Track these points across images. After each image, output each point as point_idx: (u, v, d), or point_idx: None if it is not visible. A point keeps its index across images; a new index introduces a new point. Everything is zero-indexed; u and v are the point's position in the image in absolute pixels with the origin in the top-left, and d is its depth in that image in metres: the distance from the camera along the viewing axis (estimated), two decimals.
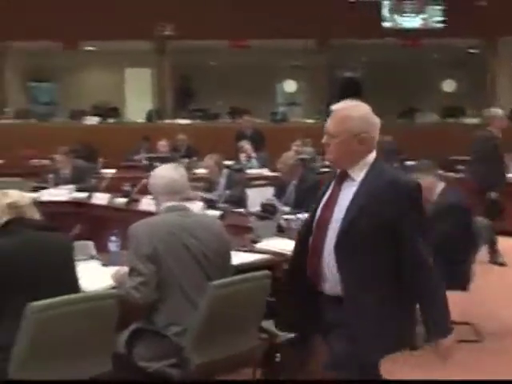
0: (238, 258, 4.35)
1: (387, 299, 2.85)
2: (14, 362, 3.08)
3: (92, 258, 4.41)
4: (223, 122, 15.31)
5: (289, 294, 3.14)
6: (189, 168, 10.35)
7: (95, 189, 8.28)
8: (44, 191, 8.01)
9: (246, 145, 11.09)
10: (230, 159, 10.22)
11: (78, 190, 8.21)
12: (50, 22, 15.01)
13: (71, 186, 8.30)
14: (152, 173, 3.83)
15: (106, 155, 11.40)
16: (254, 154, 10.94)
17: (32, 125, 14.78)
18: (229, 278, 3.56)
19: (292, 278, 3.12)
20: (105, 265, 4.27)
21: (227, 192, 7.28)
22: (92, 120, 14.87)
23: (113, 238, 4.34)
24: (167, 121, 15.34)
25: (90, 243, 4.52)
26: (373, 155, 2.93)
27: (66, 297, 3.18)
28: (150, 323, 3.55)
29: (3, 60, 16.76)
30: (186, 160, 11.08)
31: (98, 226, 6.54)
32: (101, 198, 7.65)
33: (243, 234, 5.29)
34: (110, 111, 15.55)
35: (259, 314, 3.72)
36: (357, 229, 2.81)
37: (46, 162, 10.71)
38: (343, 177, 2.96)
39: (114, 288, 3.58)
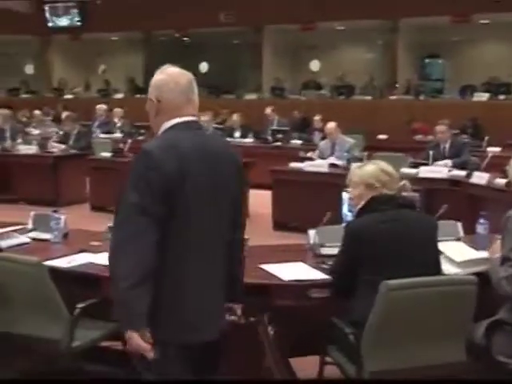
0: None
1: None
2: (365, 338, 3.08)
3: (459, 239, 4.23)
4: None
5: None
6: None
7: (476, 167, 7.99)
8: (423, 168, 7.96)
9: None
10: None
11: (454, 166, 8.03)
12: None
13: (447, 161, 8.15)
14: None
15: (493, 133, 10.96)
16: None
17: (420, 101, 14.86)
18: None
19: None
20: (473, 247, 4.05)
21: None
22: (481, 96, 14.41)
23: (481, 221, 4.12)
24: None
25: (458, 224, 4.34)
26: (168, 124, 2.62)
27: (422, 278, 3.09)
28: None
29: (395, 37, 17.07)
30: None
31: (472, 207, 6.29)
32: (480, 177, 7.34)
33: None
34: (501, 87, 14.91)
35: None
36: None
37: (430, 138, 10.64)
38: None
39: (477, 274, 3.36)
